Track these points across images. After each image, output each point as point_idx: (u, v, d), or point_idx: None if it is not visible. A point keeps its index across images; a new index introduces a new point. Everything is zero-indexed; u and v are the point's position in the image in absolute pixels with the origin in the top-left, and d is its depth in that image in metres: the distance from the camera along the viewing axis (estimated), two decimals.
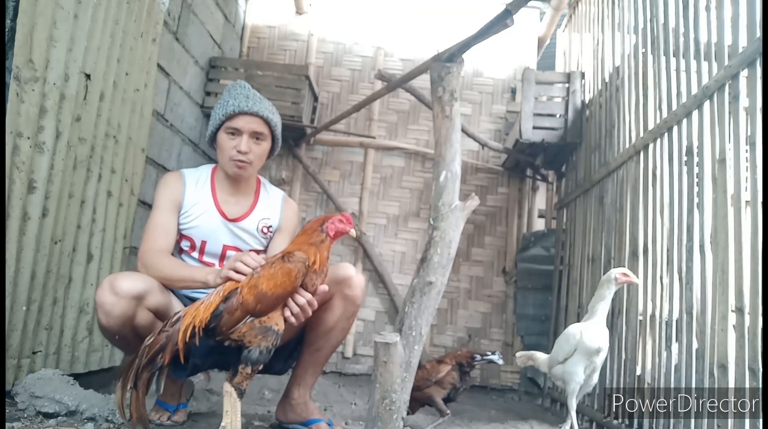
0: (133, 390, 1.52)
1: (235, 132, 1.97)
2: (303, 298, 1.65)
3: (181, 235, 2.02)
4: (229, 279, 1.64)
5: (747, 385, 1.72)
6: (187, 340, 1.53)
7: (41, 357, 2.19)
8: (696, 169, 2.21)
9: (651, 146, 2.62)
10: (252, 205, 2.08)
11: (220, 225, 2.02)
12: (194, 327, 1.54)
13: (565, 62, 4.46)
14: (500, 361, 2.62)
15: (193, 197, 2.01)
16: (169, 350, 1.54)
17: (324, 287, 1.71)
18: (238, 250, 2.04)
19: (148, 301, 1.77)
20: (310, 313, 1.68)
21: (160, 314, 1.80)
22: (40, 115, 2.06)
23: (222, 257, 2.04)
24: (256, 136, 1.98)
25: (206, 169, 2.10)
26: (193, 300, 1.88)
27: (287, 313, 1.63)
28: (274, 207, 2.12)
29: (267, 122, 2.00)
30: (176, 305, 1.88)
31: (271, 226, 2.09)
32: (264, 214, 2.09)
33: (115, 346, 2.17)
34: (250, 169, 2.01)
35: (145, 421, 1.57)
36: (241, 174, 2.00)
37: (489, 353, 2.63)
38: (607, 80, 3.34)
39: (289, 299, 1.64)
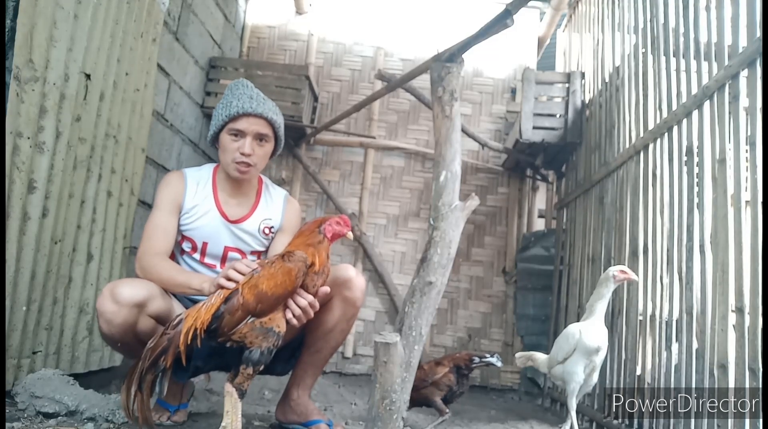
0: (138, 392, 1.53)
1: (239, 134, 1.94)
2: (304, 299, 1.64)
3: (182, 237, 2.02)
4: (221, 287, 1.64)
5: (747, 385, 1.72)
6: (189, 342, 1.54)
7: (41, 357, 2.19)
8: (696, 169, 2.21)
9: (651, 146, 2.62)
10: (253, 206, 2.07)
11: (221, 226, 2.01)
12: (196, 329, 1.54)
13: (565, 62, 4.46)
14: (498, 364, 2.62)
15: (194, 198, 2.00)
16: (171, 352, 1.54)
17: (326, 289, 1.71)
18: (239, 251, 2.03)
19: (150, 308, 1.76)
20: (311, 314, 1.68)
21: (162, 320, 1.78)
22: (40, 115, 2.06)
23: (223, 259, 2.03)
24: (259, 137, 1.96)
25: (208, 169, 2.09)
26: (195, 303, 1.88)
27: (289, 314, 1.63)
28: (275, 207, 2.11)
29: (271, 123, 1.97)
30: (178, 310, 1.86)
31: (272, 227, 2.08)
32: (265, 215, 2.07)
33: (118, 352, 2.18)
34: (253, 171, 1.99)
35: (150, 423, 1.58)
36: (243, 177, 1.99)
37: (487, 355, 2.62)
38: (607, 80, 3.34)
39: (291, 300, 1.64)
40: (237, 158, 1.94)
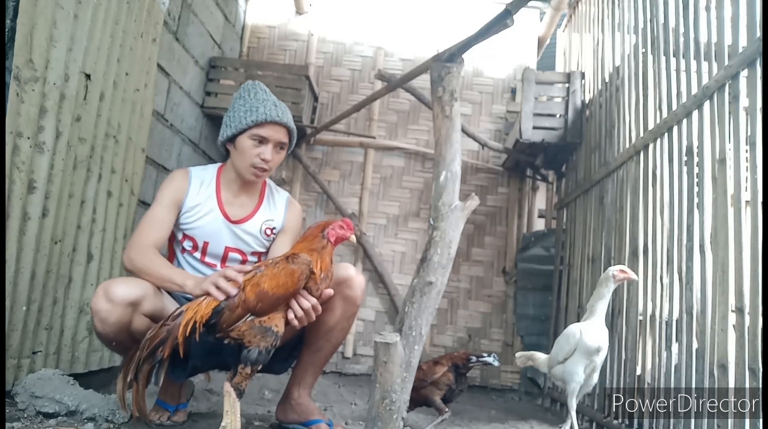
0: (134, 382, 1.54)
1: (262, 140, 1.95)
2: (308, 302, 1.65)
3: (183, 235, 2.02)
4: (208, 294, 1.63)
5: (747, 385, 1.72)
6: (188, 334, 1.54)
7: (41, 357, 2.19)
8: (696, 169, 2.21)
9: (651, 146, 2.62)
10: (256, 207, 2.08)
11: (223, 226, 2.02)
12: (195, 322, 1.55)
13: (565, 62, 4.46)
14: (495, 363, 2.62)
15: (197, 197, 2.01)
16: (169, 343, 1.55)
17: (329, 291, 1.72)
18: (239, 251, 2.04)
19: (144, 307, 1.75)
20: (314, 317, 1.69)
21: (156, 319, 1.77)
22: (40, 115, 2.06)
23: (224, 259, 2.03)
24: (279, 145, 1.99)
25: (212, 169, 2.10)
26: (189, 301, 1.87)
27: (291, 315, 1.63)
28: (278, 209, 2.12)
29: (290, 133, 2.01)
30: (171, 308, 1.86)
31: (274, 228, 2.09)
32: (268, 216, 2.08)
33: (113, 351, 2.16)
34: (266, 175, 2.03)
35: (144, 413, 1.59)
36: (258, 180, 2.02)
37: (485, 355, 2.63)
38: (607, 80, 3.34)
39: (294, 302, 1.64)
40: (257, 164, 1.95)
